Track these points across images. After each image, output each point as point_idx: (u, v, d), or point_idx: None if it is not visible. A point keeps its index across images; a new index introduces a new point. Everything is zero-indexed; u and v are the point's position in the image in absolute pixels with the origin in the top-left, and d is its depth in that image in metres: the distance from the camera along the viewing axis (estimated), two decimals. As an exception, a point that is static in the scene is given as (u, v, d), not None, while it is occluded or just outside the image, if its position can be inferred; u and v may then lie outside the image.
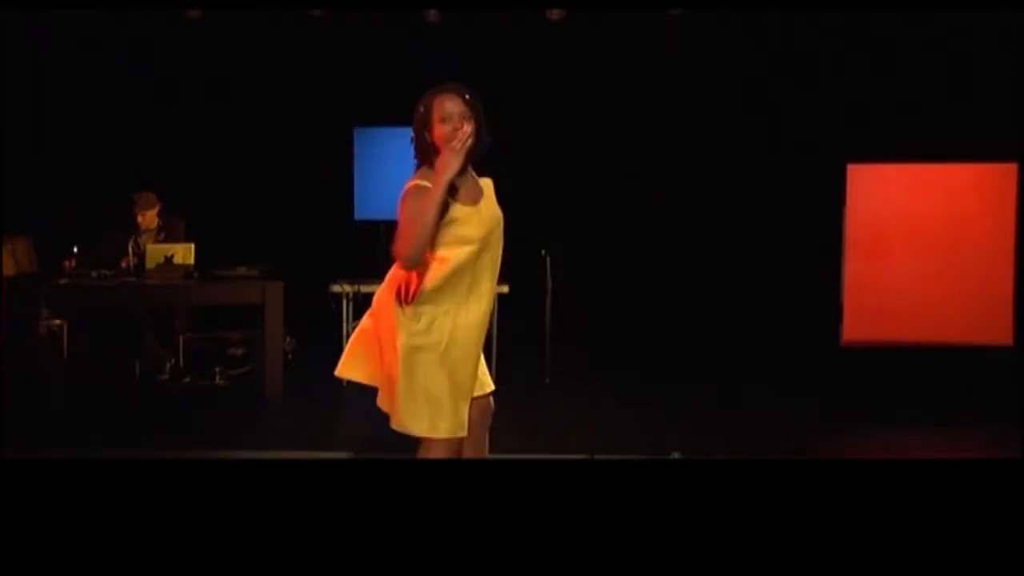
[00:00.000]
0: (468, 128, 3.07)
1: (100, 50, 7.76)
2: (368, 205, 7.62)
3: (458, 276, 3.13)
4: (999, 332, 7.15)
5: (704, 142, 7.88)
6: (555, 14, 7.58)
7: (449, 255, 3.12)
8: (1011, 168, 7.20)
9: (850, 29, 7.49)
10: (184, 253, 6.59)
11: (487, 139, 3.17)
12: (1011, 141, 6.96)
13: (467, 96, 3.13)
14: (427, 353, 3.12)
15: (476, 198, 3.19)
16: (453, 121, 3.09)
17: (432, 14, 7.63)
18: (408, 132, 3.21)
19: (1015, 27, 6.89)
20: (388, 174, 7.33)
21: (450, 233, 3.10)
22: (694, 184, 7.95)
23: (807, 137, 7.54)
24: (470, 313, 3.17)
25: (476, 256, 3.14)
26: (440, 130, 3.10)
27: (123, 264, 6.78)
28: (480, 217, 3.16)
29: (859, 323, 7.23)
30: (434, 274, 3.12)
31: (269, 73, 7.91)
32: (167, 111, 7.95)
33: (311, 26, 7.69)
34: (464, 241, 3.11)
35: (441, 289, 3.13)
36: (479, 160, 3.21)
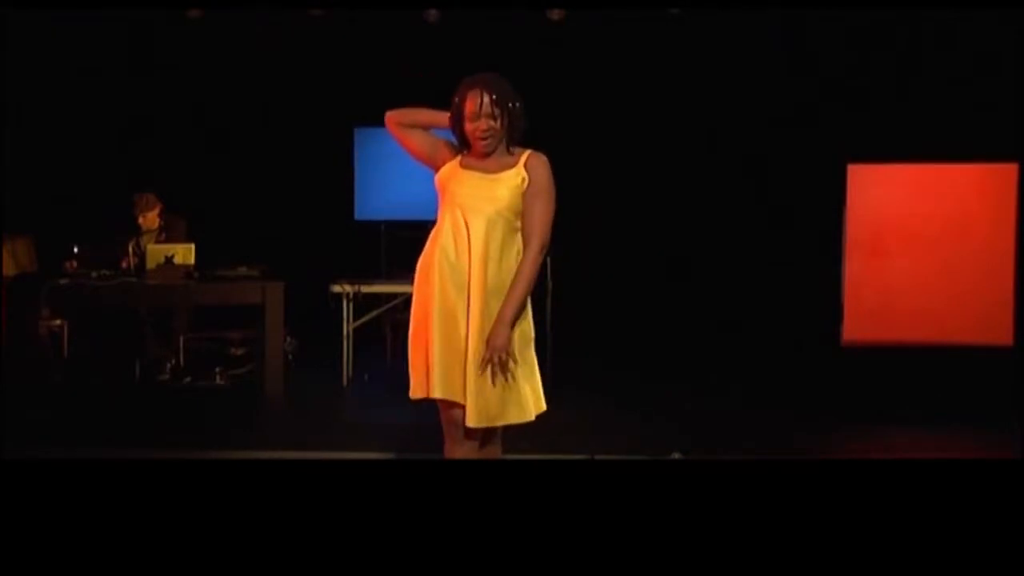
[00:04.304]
0: (493, 125, 3.23)
1: (100, 50, 7.76)
2: (368, 205, 7.59)
3: (440, 225, 3.28)
4: (999, 332, 7.14)
5: (704, 142, 7.88)
6: (555, 14, 7.57)
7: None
8: (1011, 168, 7.18)
9: (850, 29, 7.48)
10: (184, 253, 6.59)
11: (520, 126, 3.32)
12: (1011, 141, 6.95)
13: (493, 96, 3.23)
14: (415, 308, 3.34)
15: (481, 166, 3.29)
16: (478, 121, 3.24)
17: (432, 14, 7.62)
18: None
19: (1015, 27, 6.89)
20: (389, 174, 7.32)
21: (439, 183, 3.33)
22: (694, 184, 7.94)
23: (807, 137, 7.54)
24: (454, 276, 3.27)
25: (445, 207, 3.27)
26: (467, 127, 3.27)
27: (124, 264, 6.78)
28: (467, 177, 3.27)
29: (859, 323, 7.22)
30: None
31: (269, 73, 7.91)
32: (167, 111, 7.94)
33: (311, 26, 7.68)
34: (442, 189, 3.32)
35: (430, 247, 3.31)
36: (515, 142, 3.35)
